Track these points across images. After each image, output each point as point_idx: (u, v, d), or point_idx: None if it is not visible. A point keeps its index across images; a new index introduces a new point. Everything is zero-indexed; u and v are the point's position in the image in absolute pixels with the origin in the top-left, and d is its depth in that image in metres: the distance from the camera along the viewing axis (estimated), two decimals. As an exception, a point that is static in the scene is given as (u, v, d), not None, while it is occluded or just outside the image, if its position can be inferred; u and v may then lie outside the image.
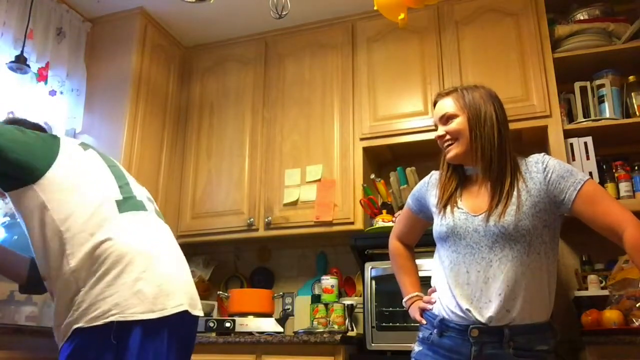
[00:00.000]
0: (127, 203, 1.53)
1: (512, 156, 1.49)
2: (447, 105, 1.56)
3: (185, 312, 1.46)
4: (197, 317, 1.52)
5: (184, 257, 1.61)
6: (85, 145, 1.65)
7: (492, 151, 1.45)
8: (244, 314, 2.75)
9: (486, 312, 1.38)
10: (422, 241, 1.78)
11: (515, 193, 1.42)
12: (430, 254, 2.29)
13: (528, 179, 1.44)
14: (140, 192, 1.65)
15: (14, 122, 1.70)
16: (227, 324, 2.65)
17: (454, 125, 1.52)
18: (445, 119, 1.55)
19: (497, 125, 1.48)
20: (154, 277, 1.42)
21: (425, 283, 2.08)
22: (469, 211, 1.47)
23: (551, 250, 1.45)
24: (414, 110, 2.78)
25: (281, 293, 3.04)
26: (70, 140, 1.63)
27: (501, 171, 1.45)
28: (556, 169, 1.42)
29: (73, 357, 1.37)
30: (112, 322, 1.34)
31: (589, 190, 1.39)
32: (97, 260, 1.40)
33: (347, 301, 2.68)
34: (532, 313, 1.39)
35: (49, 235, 1.44)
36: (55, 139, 1.58)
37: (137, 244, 1.45)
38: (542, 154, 1.50)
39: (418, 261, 2.37)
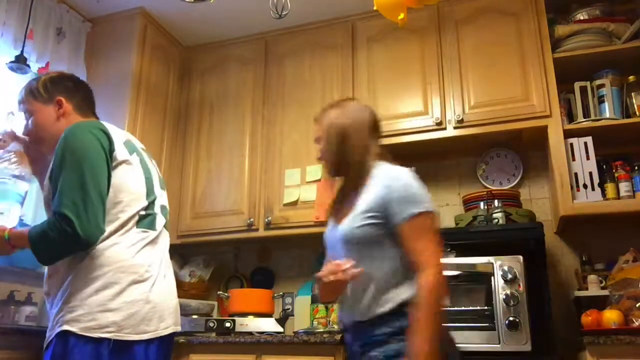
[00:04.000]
0: (144, 221, 1.61)
1: (362, 166, 1.55)
2: (317, 128, 1.68)
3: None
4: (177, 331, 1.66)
5: (173, 275, 1.71)
6: (130, 146, 1.67)
7: (342, 164, 1.58)
8: (244, 314, 2.75)
9: (346, 313, 1.52)
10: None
11: (357, 201, 1.50)
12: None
13: (372, 186, 1.49)
14: (159, 207, 1.70)
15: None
16: (227, 324, 2.65)
17: (320, 145, 1.65)
18: (316, 140, 1.68)
19: (343, 138, 1.57)
20: (150, 301, 1.53)
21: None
22: (332, 220, 1.61)
23: (389, 252, 1.46)
24: (414, 110, 2.78)
25: (281, 293, 3.04)
26: (118, 140, 1.63)
27: (351, 181, 1.57)
28: (400, 192, 1.45)
29: (58, 357, 1.42)
30: (108, 339, 1.42)
31: (413, 224, 1.41)
32: (98, 268, 1.48)
33: (347, 301, 2.68)
34: (374, 309, 1.43)
35: None
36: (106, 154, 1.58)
37: (139, 266, 1.54)
38: (400, 169, 1.52)
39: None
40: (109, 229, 1.51)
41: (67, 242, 1.44)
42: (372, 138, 1.60)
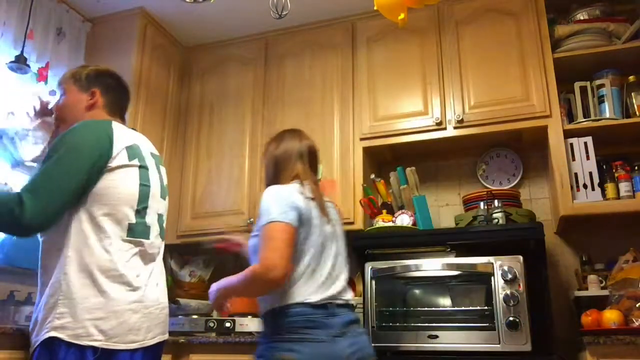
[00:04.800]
0: (135, 229, 1.60)
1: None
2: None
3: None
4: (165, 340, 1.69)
5: (164, 283, 1.72)
6: (133, 152, 1.66)
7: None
8: (244, 314, 2.75)
9: None
10: (422, 241, 1.78)
11: None
12: (430, 254, 2.30)
13: None
14: (154, 216, 1.69)
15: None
16: (227, 324, 2.65)
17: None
18: None
19: (271, 165, 1.81)
20: (139, 311, 1.54)
21: (422, 283, 2.06)
22: None
23: None
24: (414, 110, 2.78)
25: (281, 293, 3.03)
26: (121, 144, 1.63)
27: None
28: (259, 210, 1.66)
29: None
30: (95, 347, 1.43)
31: (260, 235, 1.62)
32: (89, 277, 1.48)
33: (347, 301, 2.68)
34: (260, 311, 1.69)
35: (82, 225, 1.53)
36: (106, 152, 1.58)
37: (129, 276, 1.54)
38: (267, 189, 1.69)
39: (417, 261, 2.37)
40: (92, 231, 1.51)
41: (9, 220, 1.44)
42: (300, 162, 1.77)
